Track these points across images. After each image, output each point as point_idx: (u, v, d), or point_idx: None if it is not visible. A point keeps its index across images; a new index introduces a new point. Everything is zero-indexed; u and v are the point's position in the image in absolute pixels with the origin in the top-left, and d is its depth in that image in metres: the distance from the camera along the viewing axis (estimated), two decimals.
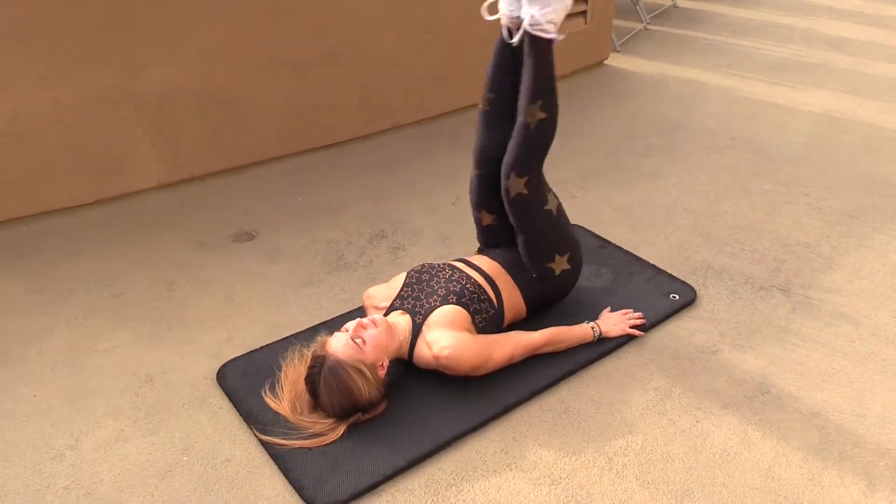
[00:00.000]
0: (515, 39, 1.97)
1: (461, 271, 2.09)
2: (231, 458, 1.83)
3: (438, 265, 2.12)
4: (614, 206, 2.99)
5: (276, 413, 1.90)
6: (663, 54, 4.81)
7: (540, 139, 2.03)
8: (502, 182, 2.06)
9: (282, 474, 1.77)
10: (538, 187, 2.07)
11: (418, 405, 1.94)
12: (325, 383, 1.80)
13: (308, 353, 1.92)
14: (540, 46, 1.96)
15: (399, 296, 2.06)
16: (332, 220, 2.89)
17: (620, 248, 2.65)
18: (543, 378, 2.03)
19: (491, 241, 2.27)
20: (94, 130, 2.86)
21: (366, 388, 1.82)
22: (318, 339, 1.91)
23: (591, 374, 2.08)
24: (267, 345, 2.19)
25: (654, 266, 2.54)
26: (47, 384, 2.07)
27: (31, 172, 2.79)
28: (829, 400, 2.00)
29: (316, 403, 1.86)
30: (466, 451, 1.84)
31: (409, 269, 2.14)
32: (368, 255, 2.67)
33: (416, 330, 1.97)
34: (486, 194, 2.18)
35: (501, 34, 2.04)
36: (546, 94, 1.99)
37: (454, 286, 2.02)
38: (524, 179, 2.03)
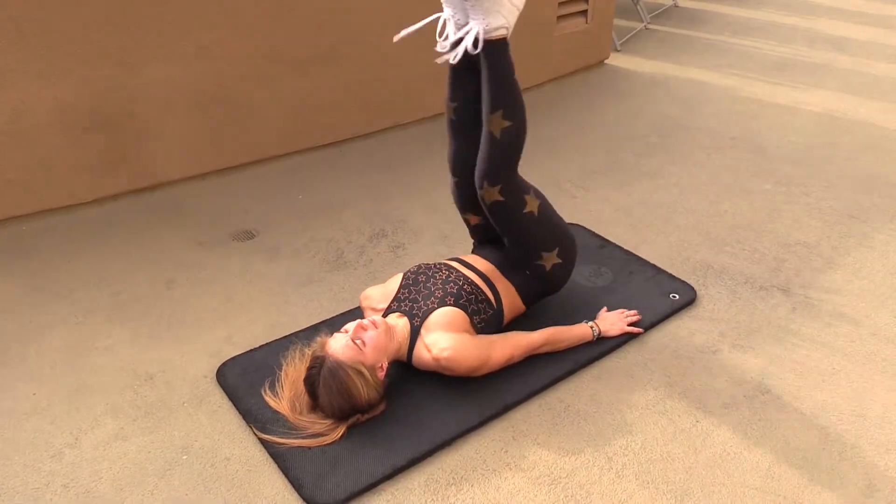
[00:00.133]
0: (460, 54, 1.92)
1: (458, 272, 2.08)
2: (230, 456, 1.83)
3: (435, 266, 2.12)
4: (614, 205, 2.99)
5: (276, 412, 1.90)
6: (664, 54, 4.81)
7: (507, 147, 1.98)
8: (477, 191, 2.04)
9: (281, 473, 1.77)
10: (514, 192, 2.02)
11: (418, 405, 1.94)
12: (325, 384, 1.80)
13: (308, 353, 1.92)
14: (493, 53, 1.92)
15: (396, 298, 2.05)
16: (332, 219, 2.89)
17: (620, 248, 2.65)
18: (543, 377, 2.03)
19: (483, 238, 2.26)
20: (93, 128, 2.85)
21: (365, 390, 1.82)
22: (318, 339, 1.90)
23: (590, 374, 2.08)
24: (266, 343, 2.19)
25: (654, 266, 2.54)
26: (47, 382, 2.07)
27: (30, 171, 2.79)
28: (829, 400, 2.00)
29: (315, 404, 1.86)
30: (466, 451, 1.84)
31: (405, 271, 2.14)
32: (369, 253, 2.67)
33: (415, 332, 1.96)
34: (468, 199, 2.17)
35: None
36: (507, 101, 1.95)
37: (451, 287, 2.02)
38: (497, 187, 1.99)
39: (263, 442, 1.84)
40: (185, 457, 1.83)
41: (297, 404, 1.89)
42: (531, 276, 2.14)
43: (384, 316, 2.03)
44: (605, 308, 2.28)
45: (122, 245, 2.72)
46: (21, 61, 2.62)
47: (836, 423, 1.92)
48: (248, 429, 1.90)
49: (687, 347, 2.19)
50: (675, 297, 2.37)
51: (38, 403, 2.00)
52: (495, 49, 1.92)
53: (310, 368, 1.84)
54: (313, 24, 3.21)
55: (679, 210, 2.94)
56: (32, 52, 2.63)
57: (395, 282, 2.11)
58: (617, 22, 5.09)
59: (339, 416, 1.84)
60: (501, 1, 1.87)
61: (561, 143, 3.55)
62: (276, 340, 2.19)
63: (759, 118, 3.82)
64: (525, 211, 2.03)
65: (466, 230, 2.30)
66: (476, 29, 1.88)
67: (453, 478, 1.77)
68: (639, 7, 5.36)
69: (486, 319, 2.04)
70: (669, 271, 2.51)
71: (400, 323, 1.98)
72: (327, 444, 1.82)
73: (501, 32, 1.90)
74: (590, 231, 2.76)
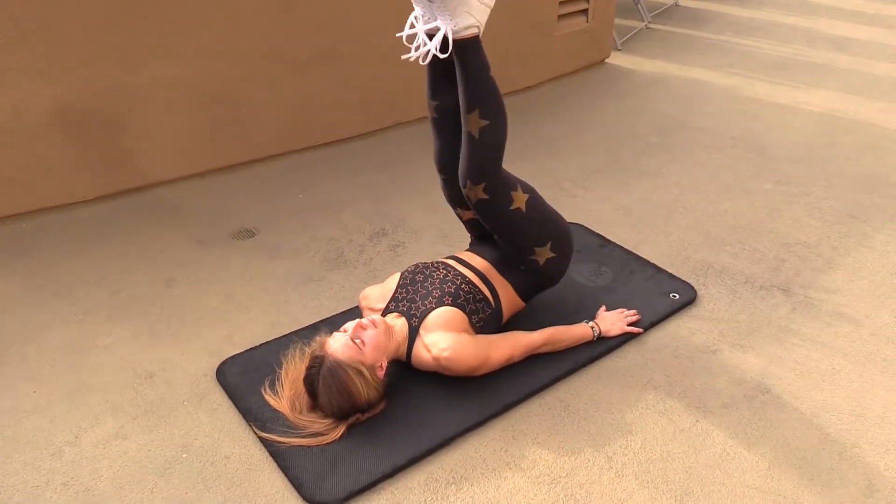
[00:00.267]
0: (428, 55, 1.90)
1: (455, 270, 2.08)
2: (230, 455, 1.83)
3: (432, 265, 2.11)
4: (615, 204, 2.99)
5: (276, 411, 1.90)
6: (665, 53, 4.80)
7: (488, 146, 1.96)
8: (461, 189, 2.03)
9: (281, 472, 1.77)
10: (499, 189, 1.99)
11: (418, 404, 1.94)
12: (324, 384, 1.80)
13: (307, 353, 1.92)
14: (466, 51, 1.90)
15: (393, 298, 2.05)
16: (332, 218, 2.89)
17: (621, 247, 2.65)
18: (543, 377, 2.03)
19: (479, 232, 2.25)
20: (93, 127, 2.85)
21: (364, 390, 1.82)
22: (317, 339, 1.90)
23: (590, 373, 2.08)
24: (266, 342, 2.19)
25: (654, 265, 2.53)
26: (47, 381, 2.07)
27: (30, 169, 2.79)
28: (828, 400, 2.00)
29: (315, 404, 1.86)
30: (466, 450, 1.84)
31: (402, 271, 2.14)
32: (369, 252, 2.67)
33: (413, 333, 1.96)
34: (457, 195, 2.16)
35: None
36: (483, 100, 1.93)
37: (449, 287, 2.01)
38: (481, 186, 1.97)
39: (263, 441, 1.84)
40: (184, 455, 1.83)
41: (297, 403, 1.89)
42: (526, 272, 2.13)
43: (382, 316, 2.03)
44: (603, 307, 2.28)
45: (121, 244, 2.72)
46: (21, 60, 2.62)
47: (836, 423, 1.92)
48: (248, 427, 1.90)
49: (687, 347, 2.19)
50: (675, 296, 2.37)
51: (38, 402, 2.00)
52: (467, 48, 1.89)
53: (309, 368, 1.84)
54: (313, 24, 3.21)
55: (679, 209, 2.94)
56: (33, 51, 2.63)
57: (392, 281, 2.11)
58: (618, 21, 5.09)
59: (338, 416, 1.84)
60: (470, 1, 1.84)
61: (561, 142, 3.55)
62: (275, 339, 2.19)
63: (760, 118, 3.82)
64: (512, 208, 2.01)
65: (466, 229, 2.30)
66: (444, 30, 1.86)
67: (453, 477, 1.77)
68: (640, 6, 5.36)
69: (485, 319, 2.04)
70: (669, 271, 2.51)
71: (398, 323, 1.98)
72: (327, 443, 1.82)
73: (472, 31, 1.87)
74: (590, 230, 2.76)
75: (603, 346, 2.14)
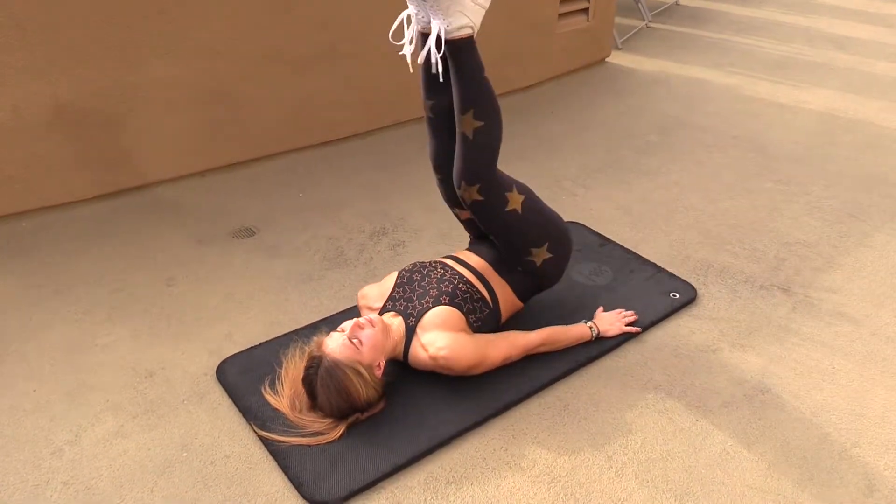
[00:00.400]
0: (422, 56, 1.90)
1: (453, 270, 2.07)
2: (230, 454, 1.83)
3: (430, 264, 2.11)
4: (615, 203, 2.98)
5: (276, 410, 1.90)
6: (665, 52, 4.80)
7: (482, 147, 1.95)
8: (456, 191, 2.02)
9: (281, 471, 1.77)
10: (494, 190, 1.98)
11: (418, 403, 1.94)
12: (323, 384, 1.80)
13: (305, 353, 1.92)
14: (460, 51, 1.89)
15: (391, 297, 2.05)
16: (331, 217, 2.89)
17: (621, 246, 2.65)
18: (543, 376, 2.03)
19: (478, 232, 2.25)
20: (93, 126, 2.85)
21: (363, 389, 1.82)
22: (315, 339, 1.89)
23: (590, 373, 2.08)
24: (266, 341, 2.19)
25: (654, 264, 2.53)
26: (47, 380, 2.07)
27: (30, 168, 2.79)
28: (828, 399, 2.00)
29: (314, 403, 1.86)
30: (466, 449, 1.84)
31: (399, 269, 2.13)
32: (369, 251, 2.67)
33: (410, 332, 1.95)
34: (454, 195, 2.15)
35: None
36: (477, 101, 1.92)
37: (446, 286, 2.01)
38: (476, 187, 1.96)
39: (263, 440, 1.84)
40: (184, 454, 1.83)
41: (297, 402, 1.89)
42: (524, 272, 2.13)
43: (380, 315, 2.02)
44: (601, 308, 2.28)
45: (122, 243, 2.72)
46: (21, 59, 2.62)
47: (836, 423, 1.92)
48: (248, 426, 1.90)
49: (687, 346, 2.19)
50: (675, 295, 2.37)
51: (39, 401, 2.00)
52: (461, 49, 1.88)
53: (307, 368, 1.84)
54: (313, 23, 3.21)
55: (679, 208, 2.94)
56: (33, 51, 2.63)
57: (390, 280, 2.11)
58: (618, 20, 5.09)
59: (337, 415, 1.84)
60: (463, 1, 1.83)
61: (561, 141, 3.55)
62: (275, 338, 2.19)
63: (760, 117, 3.82)
64: (507, 209, 2.00)
65: (464, 228, 2.30)
66: (437, 29, 1.85)
67: (453, 476, 1.77)
68: (640, 5, 5.36)
69: (483, 318, 2.03)
70: (670, 270, 2.51)
71: (395, 322, 1.97)
72: (327, 442, 1.82)
73: (466, 32, 1.87)
74: (590, 229, 2.76)
75: (603, 346, 2.14)
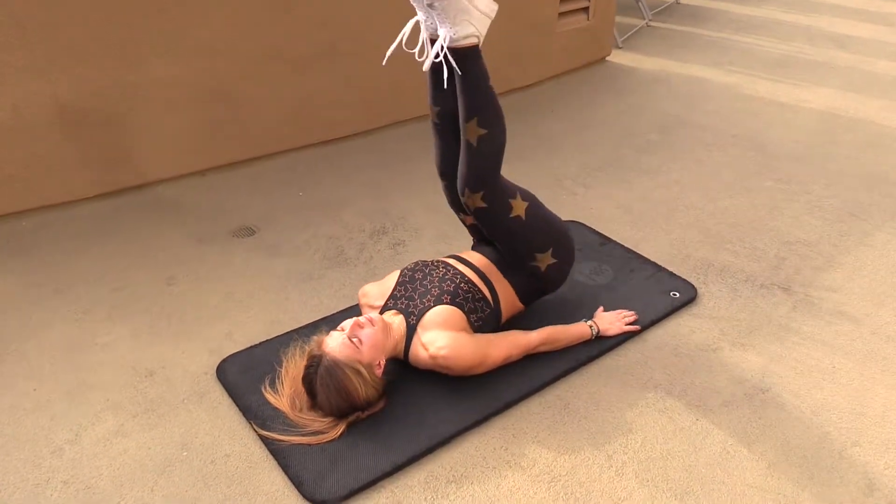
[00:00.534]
0: (428, 63, 1.91)
1: (455, 269, 2.07)
2: (231, 453, 1.83)
3: (432, 263, 2.11)
4: (615, 202, 2.98)
5: (276, 409, 1.90)
6: (665, 51, 4.80)
7: (485, 155, 1.96)
8: (460, 198, 2.04)
9: (281, 470, 1.77)
10: (497, 197, 2.00)
11: (418, 402, 1.94)
12: (322, 383, 1.80)
13: (305, 352, 1.92)
14: (466, 60, 1.90)
15: (392, 295, 2.05)
16: (332, 216, 2.89)
17: (621, 245, 2.65)
18: (543, 375, 2.03)
19: (482, 236, 2.26)
20: (93, 125, 2.85)
21: (363, 388, 1.82)
22: (314, 338, 1.89)
23: (590, 372, 2.08)
24: (267, 340, 2.19)
25: (654, 263, 2.53)
26: (47, 379, 2.07)
27: (30, 167, 2.79)
28: (829, 398, 2.00)
29: (313, 403, 1.86)
30: (466, 448, 1.84)
31: (402, 268, 2.13)
32: (369, 250, 2.67)
33: (411, 331, 1.95)
34: (459, 200, 2.16)
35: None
36: (482, 109, 1.93)
37: (448, 285, 2.01)
38: (479, 194, 1.98)
39: (263, 439, 1.84)
40: (185, 453, 1.83)
41: (297, 401, 1.89)
42: (528, 276, 2.13)
43: (381, 313, 2.02)
44: (601, 308, 2.27)
45: (122, 242, 2.72)
46: (22, 59, 2.62)
47: (836, 422, 1.92)
48: (249, 426, 1.90)
49: (687, 345, 2.19)
50: (675, 294, 2.37)
51: (39, 400, 2.00)
52: (466, 57, 1.90)
53: (307, 367, 1.84)
54: (313, 22, 3.21)
55: (680, 207, 2.94)
56: (33, 50, 2.63)
57: (391, 279, 2.11)
58: (618, 19, 5.09)
59: (338, 415, 1.84)
60: (469, 10, 1.84)
61: (562, 140, 3.55)
62: (276, 337, 2.19)
63: (760, 115, 3.82)
64: (511, 215, 2.02)
65: (469, 233, 2.31)
66: (443, 37, 1.87)
67: (453, 475, 1.77)
68: (640, 4, 5.35)
69: (484, 318, 2.03)
70: (670, 269, 2.51)
71: (396, 321, 1.98)
72: (327, 441, 1.82)
73: (471, 41, 1.88)
74: (590, 228, 2.76)
75: (603, 345, 2.14)
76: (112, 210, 2.93)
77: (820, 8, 5.77)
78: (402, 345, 1.96)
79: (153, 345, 2.20)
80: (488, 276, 2.09)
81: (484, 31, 1.90)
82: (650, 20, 5.40)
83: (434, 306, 1.96)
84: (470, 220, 2.22)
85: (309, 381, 1.83)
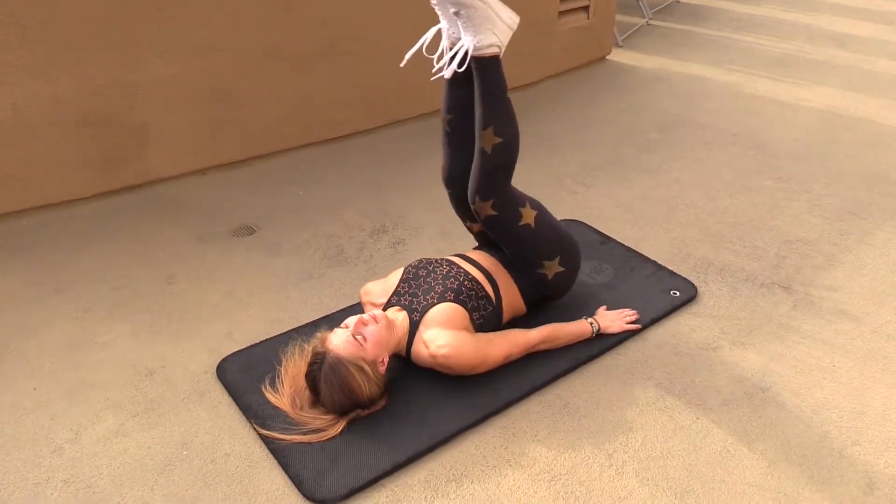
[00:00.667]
0: (450, 70, 1.93)
1: (459, 267, 2.08)
2: (231, 452, 1.83)
3: (436, 261, 2.12)
4: (615, 201, 2.98)
5: (276, 408, 1.90)
6: (666, 50, 4.80)
7: (498, 164, 1.99)
8: (470, 206, 2.05)
9: (281, 469, 1.77)
10: (508, 206, 2.02)
11: (418, 401, 1.94)
12: (326, 380, 1.80)
13: (308, 349, 1.92)
14: (486, 69, 1.93)
15: (396, 292, 2.05)
16: (332, 215, 2.89)
17: (621, 244, 2.64)
18: (543, 374, 2.03)
19: (487, 242, 2.27)
20: (93, 124, 2.85)
21: (366, 385, 1.82)
22: (318, 335, 1.90)
23: (590, 371, 2.08)
24: (267, 339, 2.19)
25: (654, 262, 2.53)
26: (47, 378, 2.07)
27: (30, 166, 2.79)
28: (829, 397, 2.00)
29: (316, 400, 1.86)
30: (466, 447, 1.84)
31: (406, 265, 2.14)
32: (369, 249, 2.67)
33: (414, 328, 1.96)
34: (466, 209, 2.18)
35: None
36: (498, 118, 1.96)
37: (451, 283, 2.02)
38: (490, 202, 2.00)
39: (264, 438, 1.84)
40: (185, 452, 1.83)
41: (298, 400, 1.89)
42: (534, 282, 2.14)
43: (384, 310, 2.03)
44: (604, 307, 2.28)
45: (122, 240, 2.72)
46: (21, 58, 2.62)
47: (837, 421, 1.92)
48: (249, 425, 1.90)
49: (687, 344, 2.19)
50: (675, 293, 2.37)
51: (39, 399, 2.00)
52: (487, 66, 1.93)
53: (311, 364, 1.84)
54: (313, 21, 3.20)
55: (680, 206, 2.94)
56: (33, 49, 2.62)
57: (395, 276, 2.11)
58: (619, 18, 5.08)
59: (339, 411, 1.84)
60: (494, 20, 1.87)
61: (562, 138, 3.55)
62: (276, 336, 2.19)
63: (761, 114, 3.81)
64: (521, 223, 2.04)
65: (475, 239, 2.31)
66: (466, 45, 1.89)
67: (453, 474, 1.77)
68: (641, 3, 5.35)
69: (486, 316, 2.04)
70: (670, 268, 2.51)
71: (399, 317, 1.98)
72: (328, 439, 1.82)
73: (493, 51, 1.91)
74: (591, 227, 2.76)
75: (603, 344, 2.14)
76: (112, 209, 2.93)
77: (820, 6, 5.77)
78: (405, 341, 1.96)
79: (153, 343, 2.20)
80: (494, 275, 2.10)
81: (506, 42, 1.93)
82: (650, 19, 5.39)
83: (437, 303, 1.96)
84: (477, 227, 2.23)
85: (312, 377, 1.83)
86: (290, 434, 1.83)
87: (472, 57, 1.91)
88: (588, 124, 3.70)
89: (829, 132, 3.61)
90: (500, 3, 1.89)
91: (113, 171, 2.97)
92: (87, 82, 2.78)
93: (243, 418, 1.92)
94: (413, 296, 2.01)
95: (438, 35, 2.00)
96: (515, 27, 1.93)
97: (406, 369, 2.01)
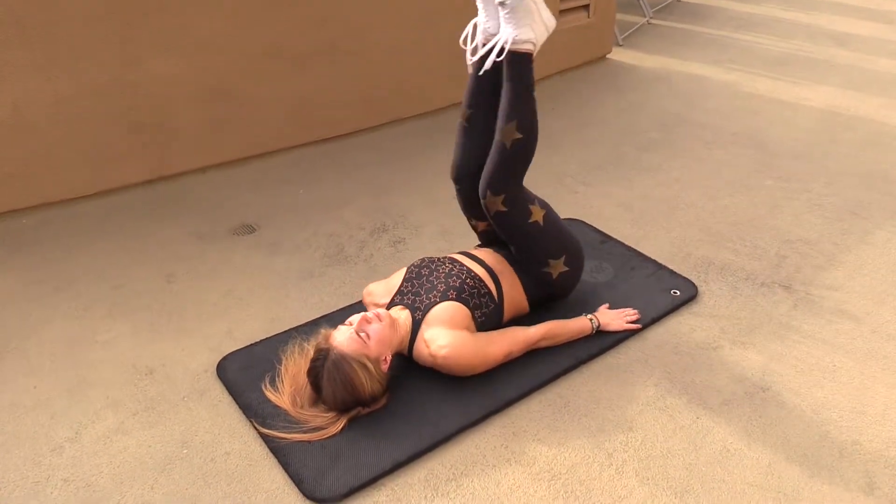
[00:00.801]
0: (489, 62, 1.96)
1: (461, 265, 2.08)
2: (231, 451, 1.83)
3: (438, 259, 2.12)
4: (616, 200, 2.98)
5: (276, 406, 1.90)
6: (666, 49, 4.80)
7: (516, 159, 2.01)
8: (481, 200, 2.06)
9: (281, 468, 1.77)
10: (518, 202, 2.04)
11: (419, 399, 1.94)
12: (329, 377, 1.80)
13: (309, 347, 1.92)
14: (518, 64, 1.96)
15: (399, 291, 2.05)
16: (332, 214, 2.89)
17: (622, 244, 2.64)
18: (543, 373, 2.03)
19: (491, 241, 2.27)
20: (93, 122, 2.85)
21: (368, 383, 1.82)
22: (321, 332, 1.90)
23: (591, 370, 2.08)
24: (267, 338, 2.19)
25: (655, 261, 2.53)
26: (47, 376, 2.07)
27: (30, 164, 2.79)
28: (829, 397, 1.99)
29: (318, 397, 1.86)
30: (466, 446, 1.84)
31: (409, 265, 2.14)
32: (369, 248, 2.67)
33: (416, 326, 1.96)
34: (474, 206, 2.19)
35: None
36: (522, 114, 1.99)
37: (454, 281, 2.02)
38: (501, 197, 2.02)
39: (264, 437, 1.84)
40: (185, 451, 1.83)
41: (299, 398, 1.89)
42: (538, 282, 2.14)
43: (387, 309, 2.03)
44: (606, 305, 2.28)
45: (122, 239, 2.72)
46: (21, 56, 2.62)
47: (837, 420, 1.92)
48: (249, 423, 1.90)
49: (687, 344, 2.19)
50: (675, 293, 2.37)
51: (39, 397, 2.00)
52: (519, 62, 1.97)
53: (314, 360, 1.84)
54: (313, 20, 3.20)
55: (680, 205, 2.94)
56: (33, 48, 2.62)
57: (398, 276, 2.12)
58: (619, 17, 5.08)
59: (341, 409, 1.84)
60: (534, 17, 1.92)
61: (562, 137, 3.54)
62: (276, 335, 2.19)
63: (761, 114, 3.81)
64: (530, 220, 2.06)
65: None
66: (505, 37, 1.93)
67: (453, 473, 1.77)
68: (641, 2, 5.35)
69: (487, 314, 2.04)
70: (670, 267, 2.51)
71: (402, 316, 1.98)
72: (328, 437, 1.81)
73: (528, 47, 1.95)
74: (591, 226, 2.76)
75: (603, 343, 2.14)
76: (112, 207, 2.93)
77: (820, 6, 5.76)
78: (408, 340, 1.96)
79: (153, 342, 2.20)
80: (498, 273, 2.10)
81: (541, 42, 1.98)
82: (651, 18, 5.39)
83: (440, 302, 1.96)
84: (483, 225, 2.23)
85: (315, 374, 1.83)
86: (290, 432, 1.83)
87: (508, 51, 1.94)
88: (588, 123, 3.70)
89: (830, 131, 3.61)
90: (543, 3, 1.94)
91: (113, 169, 2.97)
92: (88, 80, 2.77)
93: (243, 417, 1.92)
94: (416, 295, 2.02)
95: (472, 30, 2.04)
96: (551, 31, 1.98)
97: (407, 368, 2.01)
